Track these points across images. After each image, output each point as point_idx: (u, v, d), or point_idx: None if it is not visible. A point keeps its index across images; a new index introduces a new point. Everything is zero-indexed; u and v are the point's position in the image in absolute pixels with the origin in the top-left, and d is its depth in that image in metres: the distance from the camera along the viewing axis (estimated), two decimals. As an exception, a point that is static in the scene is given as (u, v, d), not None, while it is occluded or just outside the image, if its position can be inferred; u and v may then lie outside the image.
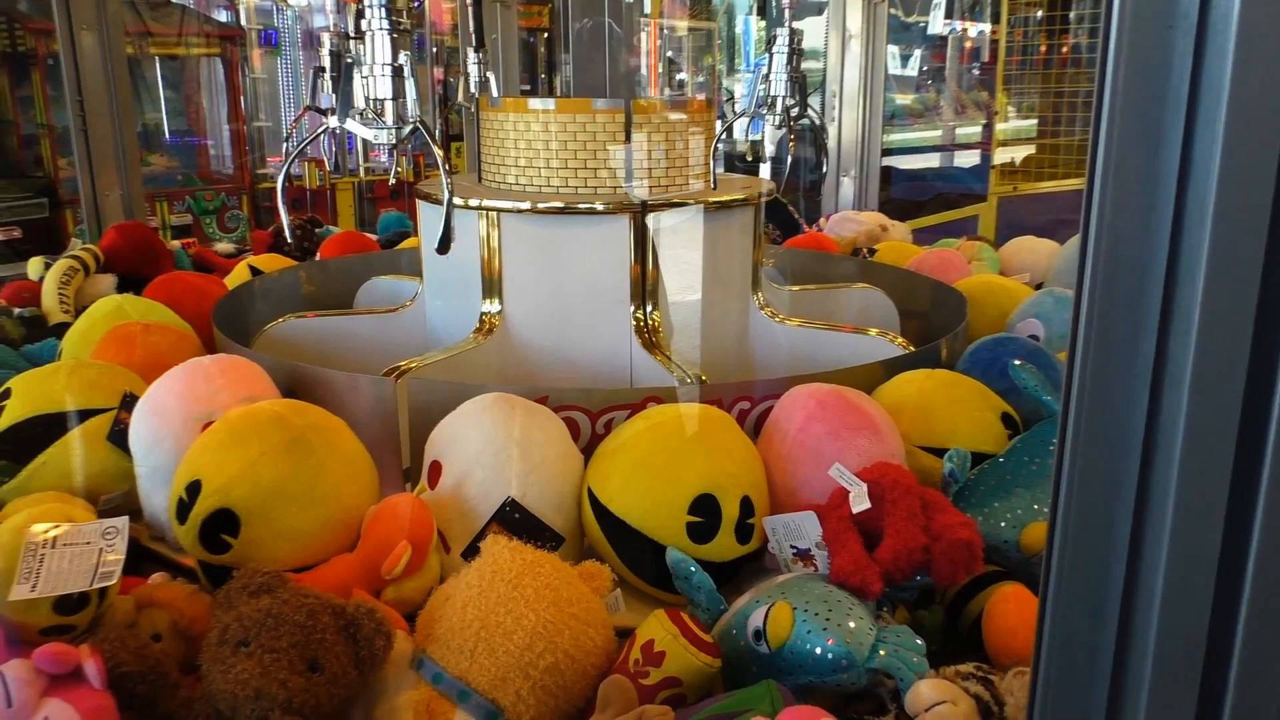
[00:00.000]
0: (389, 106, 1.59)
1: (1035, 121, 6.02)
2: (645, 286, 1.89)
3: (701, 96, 2.49)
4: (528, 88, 6.45)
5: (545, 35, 7.27)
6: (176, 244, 3.08)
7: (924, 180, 5.97)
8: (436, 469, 1.43)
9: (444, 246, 1.63)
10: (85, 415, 1.58)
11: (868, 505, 1.27)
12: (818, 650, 1.08)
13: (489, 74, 2.58)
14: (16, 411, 1.58)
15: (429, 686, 1.09)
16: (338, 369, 1.71)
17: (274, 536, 1.32)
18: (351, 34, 1.72)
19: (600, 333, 1.91)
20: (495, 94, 2.54)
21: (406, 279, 2.42)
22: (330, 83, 1.95)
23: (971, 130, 6.28)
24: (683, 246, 1.91)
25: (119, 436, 1.57)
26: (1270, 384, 0.61)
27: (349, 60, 1.69)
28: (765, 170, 2.56)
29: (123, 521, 1.20)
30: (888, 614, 1.23)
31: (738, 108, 2.47)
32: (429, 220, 2.07)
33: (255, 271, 2.66)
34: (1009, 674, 1.08)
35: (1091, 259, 0.63)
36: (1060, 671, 0.71)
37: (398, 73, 1.59)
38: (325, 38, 1.98)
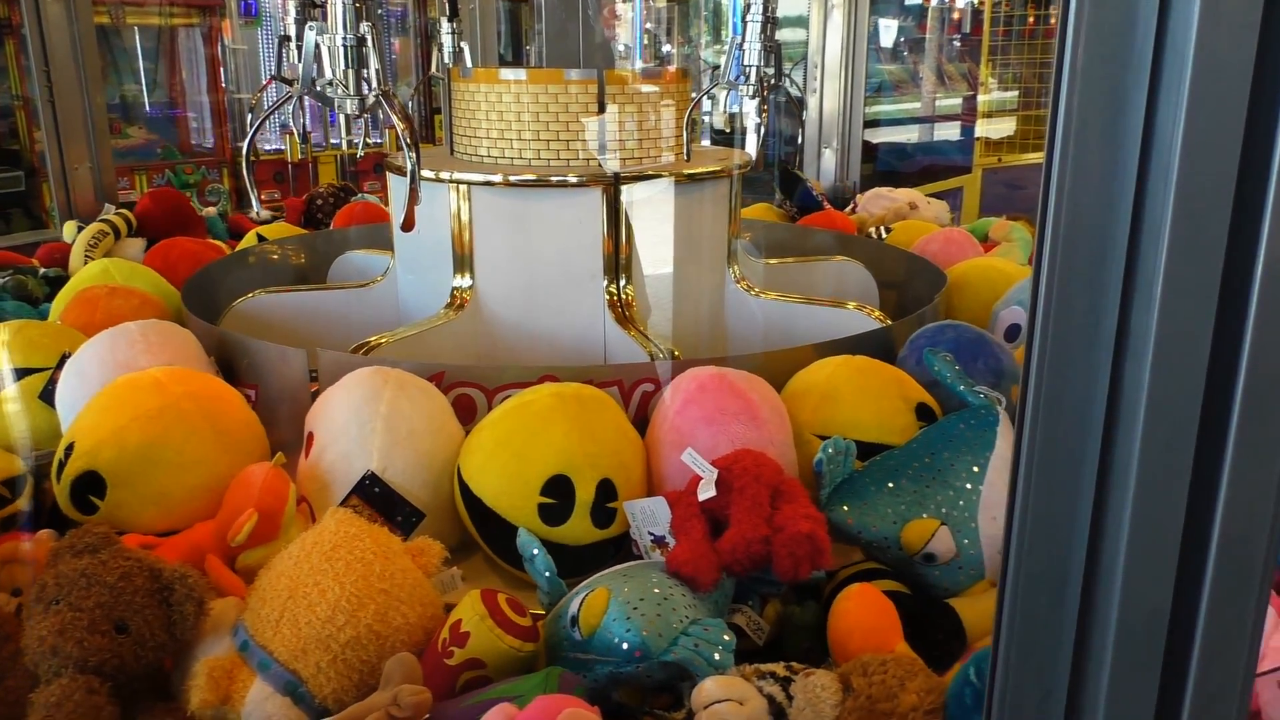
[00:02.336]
0: (351, 77, 1.56)
1: (1017, 93, 5.99)
2: (618, 260, 1.87)
3: (673, 68, 2.45)
4: (510, 58, 6.37)
5: (529, 6, 7.19)
6: (212, 210, 3.08)
7: (907, 152, 5.93)
8: (310, 439, 1.43)
9: (407, 224, 1.60)
10: (22, 374, 1.63)
11: (713, 493, 1.23)
12: (615, 639, 1.06)
13: (463, 44, 2.54)
14: (-42, 369, 1.61)
15: (236, 653, 1.08)
16: (307, 345, 1.68)
17: (140, 500, 1.34)
18: (316, 2, 1.69)
19: (573, 307, 1.89)
20: (468, 64, 2.50)
21: (380, 253, 2.39)
22: (295, 52, 1.91)
23: (955, 102, 6.24)
24: (656, 219, 1.88)
25: (49, 395, 1.60)
26: (1234, 358, 0.60)
27: (313, 30, 1.65)
28: (750, 142, 2.51)
29: None
30: (750, 608, 1.19)
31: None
32: (399, 193, 2.03)
33: (264, 240, 2.66)
34: (800, 674, 1.04)
35: (1051, 229, 0.61)
36: (1021, 651, 0.69)
37: (360, 43, 1.55)
38: (290, 6, 1.94)
